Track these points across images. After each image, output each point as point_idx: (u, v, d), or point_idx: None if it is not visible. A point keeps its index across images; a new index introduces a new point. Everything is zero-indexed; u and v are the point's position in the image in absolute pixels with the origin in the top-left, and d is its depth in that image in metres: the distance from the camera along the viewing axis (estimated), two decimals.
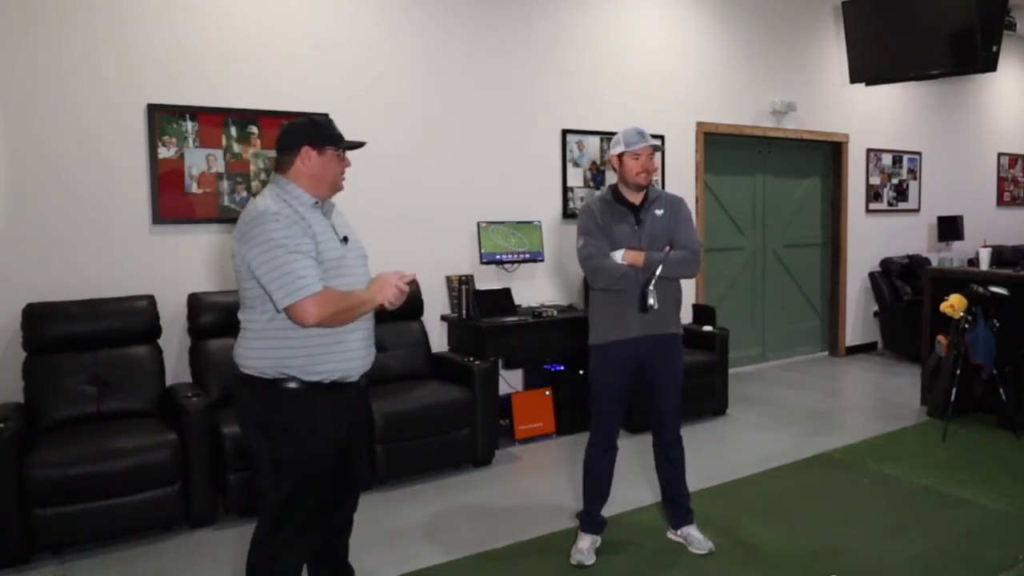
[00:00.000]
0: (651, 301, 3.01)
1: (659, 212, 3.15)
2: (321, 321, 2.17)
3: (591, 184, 5.58)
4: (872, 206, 7.56)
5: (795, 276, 7.21)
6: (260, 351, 2.24)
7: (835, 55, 6.96)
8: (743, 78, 6.44)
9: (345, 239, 2.35)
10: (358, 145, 2.41)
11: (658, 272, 3.02)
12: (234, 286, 2.30)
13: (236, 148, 4.23)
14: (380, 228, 4.59)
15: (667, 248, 3.12)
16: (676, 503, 3.31)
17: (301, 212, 2.24)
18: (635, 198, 3.16)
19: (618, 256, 3.08)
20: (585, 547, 3.19)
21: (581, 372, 4.68)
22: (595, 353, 3.20)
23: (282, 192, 2.28)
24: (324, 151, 2.31)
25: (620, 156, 3.12)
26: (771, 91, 6.60)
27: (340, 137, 2.36)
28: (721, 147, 6.43)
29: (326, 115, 2.41)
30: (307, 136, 2.30)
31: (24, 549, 3.13)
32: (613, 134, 3.37)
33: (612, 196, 3.19)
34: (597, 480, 3.24)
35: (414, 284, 2.47)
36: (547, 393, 4.95)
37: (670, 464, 3.27)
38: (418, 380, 4.40)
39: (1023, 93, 9.04)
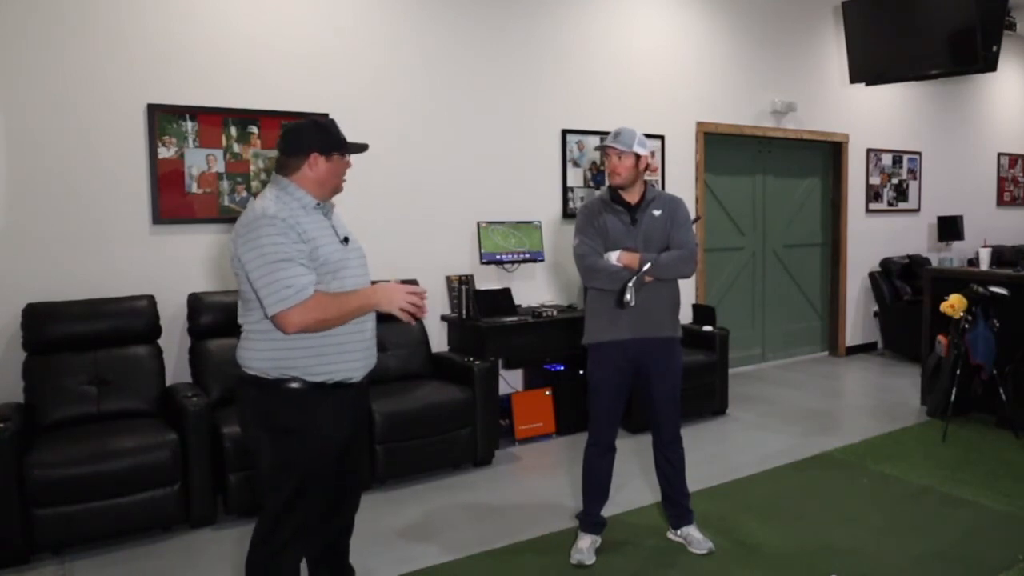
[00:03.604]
0: (627, 297, 2.99)
1: (656, 213, 3.15)
2: (303, 329, 2.16)
3: (591, 184, 5.58)
4: (872, 206, 7.56)
5: (795, 276, 7.21)
6: (263, 352, 2.24)
7: (835, 55, 6.96)
8: (743, 78, 6.44)
9: (346, 240, 2.36)
10: (363, 148, 2.41)
11: (643, 270, 3.02)
12: (234, 286, 2.30)
13: (236, 148, 4.23)
14: (380, 228, 4.60)
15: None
16: (676, 503, 3.31)
17: (302, 215, 2.24)
18: (632, 198, 3.15)
19: (613, 257, 3.08)
20: (585, 547, 3.19)
21: (581, 372, 4.68)
22: (590, 353, 3.21)
23: (283, 194, 2.27)
24: (331, 157, 2.31)
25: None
26: (771, 91, 6.60)
27: (345, 141, 2.36)
28: (721, 147, 6.43)
29: (327, 115, 2.40)
30: (316, 142, 2.29)
31: (24, 549, 3.13)
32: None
33: (610, 196, 3.19)
34: (597, 480, 3.25)
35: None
36: (547, 393, 4.96)
37: (669, 464, 3.27)
38: (418, 380, 4.40)
39: (1023, 93, 9.04)
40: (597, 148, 3.35)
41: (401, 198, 4.78)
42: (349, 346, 2.29)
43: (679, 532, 3.32)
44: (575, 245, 3.17)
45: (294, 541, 2.30)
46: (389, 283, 2.35)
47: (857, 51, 6.45)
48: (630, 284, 3.00)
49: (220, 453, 3.53)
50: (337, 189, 2.38)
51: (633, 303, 3.00)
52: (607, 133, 3.41)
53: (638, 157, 3.10)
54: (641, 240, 3.11)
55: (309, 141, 2.30)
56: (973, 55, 5.76)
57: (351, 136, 2.41)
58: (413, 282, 4.23)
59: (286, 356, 2.22)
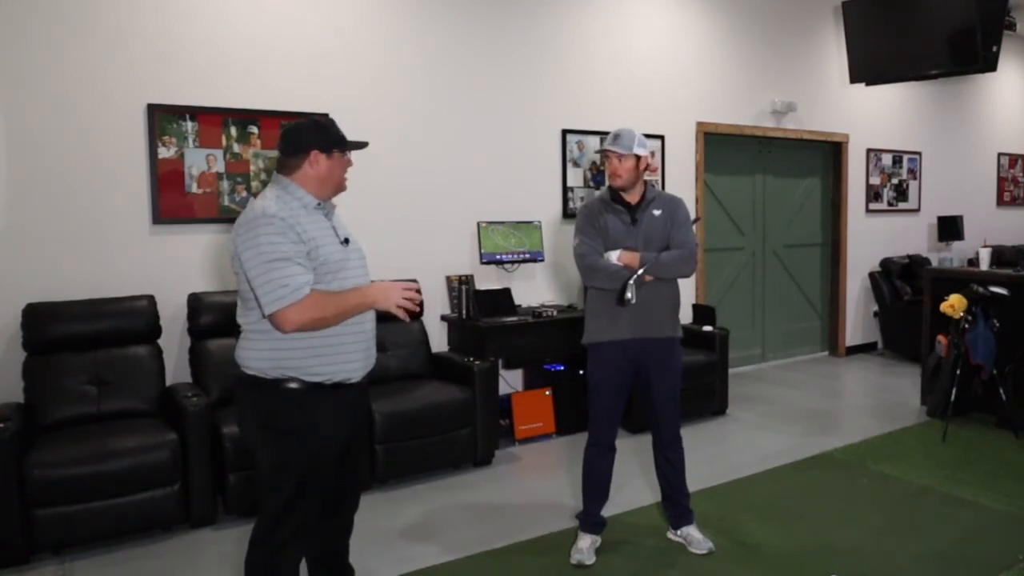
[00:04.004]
0: (628, 295, 2.99)
1: (657, 212, 3.15)
2: (300, 328, 2.17)
3: (591, 184, 5.58)
4: (872, 206, 7.56)
5: (795, 276, 7.21)
6: (262, 352, 2.24)
7: (835, 55, 6.96)
8: (743, 78, 6.44)
9: (346, 240, 2.36)
10: (362, 145, 2.42)
11: (641, 271, 3.02)
12: (234, 286, 2.30)
13: (236, 148, 4.23)
14: (380, 228, 4.60)
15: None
16: (676, 503, 3.31)
17: (302, 215, 2.24)
18: (632, 198, 3.16)
19: (614, 256, 3.08)
20: (585, 547, 3.19)
21: (581, 372, 4.68)
22: (590, 353, 3.21)
23: (283, 193, 2.27)
24: (332, 154, 2.31)
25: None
26: (771, 91, 6.60)
27: (344, 138, 2.36)
28: (721, 147, 6.43)
29: (327, 115, 2.40)
30: (315, 140, 2.30)
31: (24, 549, 3.13)
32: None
33: (610, 196, 3.19)
34: (597, 480, 3.25)
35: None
36: (547, 393, 4.95)
37: (669, 464, 3.27)
38: (418, 380, 4.40)
39: (1023, 93, 9.04)
40: (598, 151, 3.35)
41: (401, 198, 4.78)
42: (348, 346, 2.29)
43: (679, 532, 3.32)
44: (575, 245, 3.17)
45: (294, 541, 2.30)
46: (385, 281, 2.35)
47: (857, 51, 6.45)
48: (630, 283, 3.00)
49: (220, 453, 3.53)
50: (340, 187, 2.38)
51: (634, 301, 3.00)
52: (607, 133, 3.41)
53: (638, 158, 3.10)
54: (641, 240, 3.11)
55: (309, 139, 2.30)
56: (973, 55, 5.76)
57: (351, 136, 2.41)
58: (413, 282, 4.24)
59: (285, 356, 2.22)
